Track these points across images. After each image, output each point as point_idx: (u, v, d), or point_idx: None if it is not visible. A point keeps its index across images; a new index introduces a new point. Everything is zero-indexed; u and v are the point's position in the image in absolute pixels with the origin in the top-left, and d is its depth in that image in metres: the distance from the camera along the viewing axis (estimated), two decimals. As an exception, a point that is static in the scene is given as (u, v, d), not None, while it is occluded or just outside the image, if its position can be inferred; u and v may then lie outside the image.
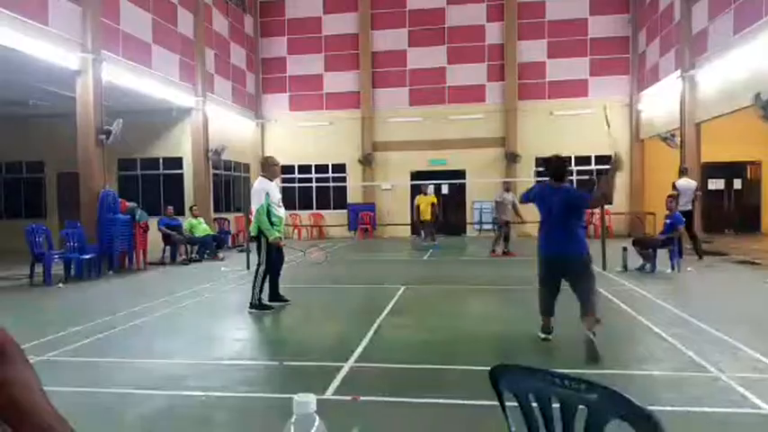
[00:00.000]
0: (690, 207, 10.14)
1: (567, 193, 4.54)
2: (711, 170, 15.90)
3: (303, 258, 9.02)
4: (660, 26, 15.21)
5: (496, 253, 11.76)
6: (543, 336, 4.73)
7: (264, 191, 6.12)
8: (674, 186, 10.68)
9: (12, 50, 8.51)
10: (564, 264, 4.47)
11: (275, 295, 6.48)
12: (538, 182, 14.22)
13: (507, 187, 12.07)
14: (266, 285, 6.33)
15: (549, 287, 4.61)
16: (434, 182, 17.97)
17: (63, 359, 4.44)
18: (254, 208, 6.17)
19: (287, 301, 6.50)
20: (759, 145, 14.98)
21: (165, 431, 3.08)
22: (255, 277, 6.24)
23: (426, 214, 13.33)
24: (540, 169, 17.41)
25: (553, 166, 4.62)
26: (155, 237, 11.46)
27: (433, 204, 13.47)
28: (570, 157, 17.41)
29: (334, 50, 18.68)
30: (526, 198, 4.87)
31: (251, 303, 6.19)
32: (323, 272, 9.53)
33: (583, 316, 4.35)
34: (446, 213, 18.33)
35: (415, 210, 13.88)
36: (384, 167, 18.34)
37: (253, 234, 6.31)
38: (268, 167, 6.40)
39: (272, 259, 6.28)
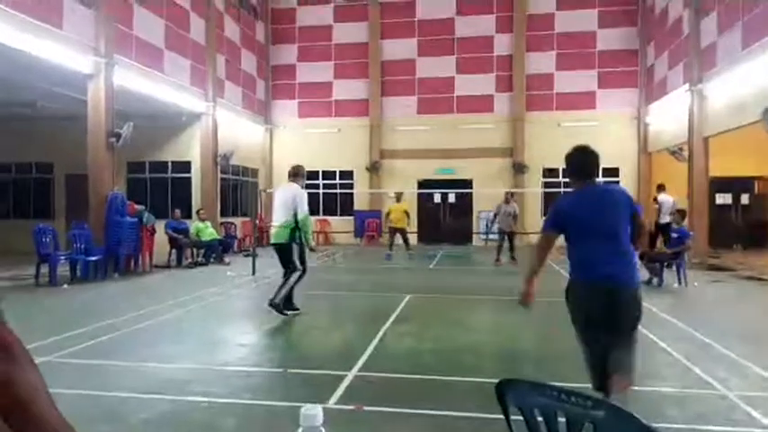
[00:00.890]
0: (668, 220, 10.58)
1: (620, 191, 3.15)
2: (719, 185, 15.77)
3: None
4: (668, 40, 15.21)
5: (501, 262, 11.89)
6: None
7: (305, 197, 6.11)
8: (655, 200, 11.55)
9: (25, 53, 8.62)
10: (614, 295, 2.85)
11: (290, 303, 6.27)
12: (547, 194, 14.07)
13: (507, 199, 12.27)
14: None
15: (596, 335, 2.90)
16: (441, 191, 18.00)
17: (66, 361, 4.44)
18: (300, 212, 5.93)
19: (298, 309, 6.33)
20: (767, 160, 14.88)
21: (168, 436, 3.08)
22: (288, 279, 6.02)
23: (402, 222, 13.03)
24: (548, 180, 17.41)
25: (579, 163, 3.18)
26: (161, 240, 11.52)
27: (406, 212, 13.27)
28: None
29: (344, 59, 18.80)
30: (553, 226, 3.08)
31: (272, 302, 5.97)
32: (328, 278, 9.53)
33: (615, 372, 2.86)
34: (452, 223, 18.38)
35: (384, 217, 13.49)
36: (391, 175, 18.36)
37: (283, 241, 6.01)
38: (302, 177, 6.37)
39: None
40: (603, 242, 2.91)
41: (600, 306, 2.83)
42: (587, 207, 3.01)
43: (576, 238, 3.01)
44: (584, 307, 2.93)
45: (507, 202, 12.20)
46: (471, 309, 7.14)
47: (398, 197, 13.42)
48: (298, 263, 6.06)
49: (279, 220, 6.02)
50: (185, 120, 14.18)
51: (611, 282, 2.84)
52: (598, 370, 2.88)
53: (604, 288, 2.84)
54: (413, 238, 17.65)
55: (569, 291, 3.01)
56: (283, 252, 6.04)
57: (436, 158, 17.98)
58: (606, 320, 2.83)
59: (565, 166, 3.28)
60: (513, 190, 16.46)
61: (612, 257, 2.89)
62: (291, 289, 6.09)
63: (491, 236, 13.29)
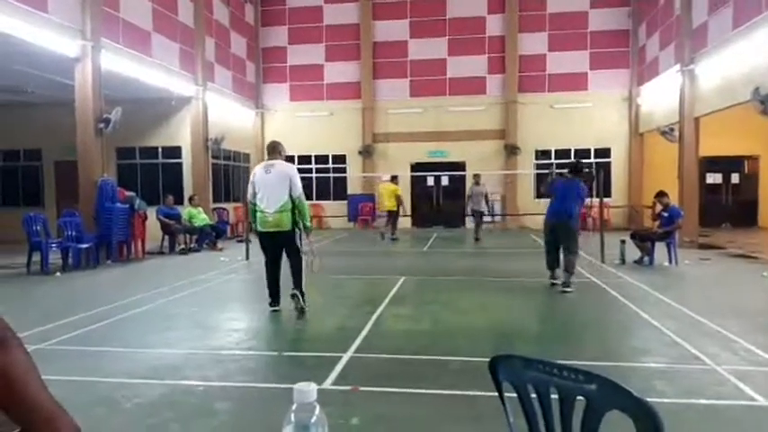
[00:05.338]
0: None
1: (579, 184, 6.92)
2: (710, 164, 15.90)
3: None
4: (660, 20, 15.13)
5: (480, 240, 12.83)
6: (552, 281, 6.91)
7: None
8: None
9: (10, 37, 8.43)
10: (558, 225, 6.80)
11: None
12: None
13: (477, 181, 13.03)
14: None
15: (550, 238, 7.00)
16: (434, 173, 17.98)
17: (61, 348, 4.45)
18: (298, 193, 5.34)
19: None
20: (757, 140, 14.97)
21: (165, 420, 3.10)
22: (299, 264, 5.53)
23: (389, 205, 12.97)
24: (540, 162, 17.48)
25: (569, 170, 7.11)
26: (153, 226, 11.45)
27: (397, 196, 13.14)
28: (570, 150, 17.44)
29: (335, 41, 18.55)
30: (550, 191, 7.24)
31: (303, 301, 5.52)
32: (322, 262, 9.52)
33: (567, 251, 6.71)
34: (445, 205, 18.41)
35: (378, 198, 13.45)
36: (384, 159, 18.29)
37: (287, 228, 5.36)
38: (282, 154, 5.61)
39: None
40: (563, 204, 6.72)
41: (552, 228, 6.85)
42: (563, 187, 6.92)
43: (554, 198, 6.94)
44: (548, 227, 6.94)
45: (477, 183, 12.90)
46: (465, 290, 7.19)
47: (392, 178, 13.76)
48: (301, 248, 5.57)
49: (276, 204, 5.30)
50: (175, 104, 13.97)
51: (559, 220, 6.75)
52: (551, 254, 6.96)
53: (555, 222, 6.81)
54: (407, 221, 17.75)
55: (545, 222, 7.04)
56: (288, 241, 5.40)
57: (429, 141, 17.92)
58: (555, 232, 6.83)
59: (567, 169, 7.15)
60: (505, 172, 16.63)
61: (563, 211, 6.69)
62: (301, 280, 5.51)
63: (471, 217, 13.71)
